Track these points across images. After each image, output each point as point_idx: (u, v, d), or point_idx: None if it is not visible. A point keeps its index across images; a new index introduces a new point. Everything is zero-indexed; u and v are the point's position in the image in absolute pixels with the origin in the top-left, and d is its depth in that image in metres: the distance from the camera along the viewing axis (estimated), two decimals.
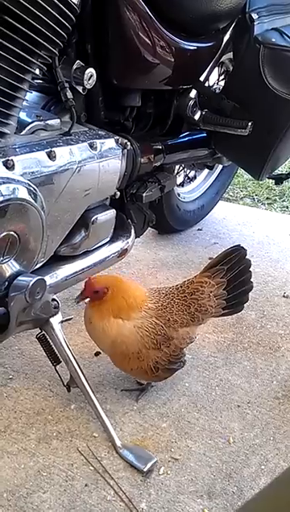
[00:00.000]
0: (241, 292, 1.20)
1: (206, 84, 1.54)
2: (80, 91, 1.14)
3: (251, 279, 1.21)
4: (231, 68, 1.72)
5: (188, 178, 2.12)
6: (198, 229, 2.19)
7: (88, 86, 1.13)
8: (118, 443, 1.06)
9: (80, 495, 0.96)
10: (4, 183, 0.91)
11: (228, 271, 1.17)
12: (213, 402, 1.22)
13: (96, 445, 1.07)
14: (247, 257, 1.21)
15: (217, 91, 1.66)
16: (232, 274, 1.18)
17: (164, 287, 1.20)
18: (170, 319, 1.12)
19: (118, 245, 1.41)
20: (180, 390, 1.26)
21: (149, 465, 1.01)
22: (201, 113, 1.48)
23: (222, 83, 1.80)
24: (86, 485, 0.98)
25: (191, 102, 1.45)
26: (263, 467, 1.06)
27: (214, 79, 1.77)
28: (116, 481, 0.99)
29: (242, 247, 1.21)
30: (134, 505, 0.94)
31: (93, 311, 1.13)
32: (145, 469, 1.01)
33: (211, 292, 1.16)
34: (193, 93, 1.45)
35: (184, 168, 1.97)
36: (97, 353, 1.37)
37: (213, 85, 1.75)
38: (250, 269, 1.21)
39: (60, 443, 1.08)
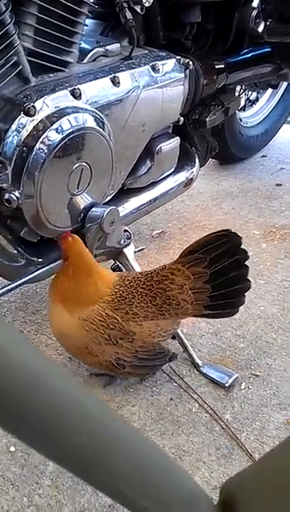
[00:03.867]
0: (232, 291, 0.95)
1: None
2: (139, 10, 1.09)
3: (248, 277, 0.96)
4: None
5: (250, 101, 2.02)
6: (262, 156, 2.11)
7: (146, 4, 1.08)
8: (198, 361, 1.11)
9: (167, 408, 1.03)
10: (73, 112, 0.91)
11: (212, 262, 0.93)
12: None
13: (177, 364, 1.13)
14: (243, 246, 0.95)
15: None
16: (218, 267, 0.93)
17: (131, 273, 1.02)
18: (128, 311, 0.93)
19: (184, 175, 1.39)
20: (255, 314, 1.27)
21: (231, 381, 1.05)
22: (265, 24, 1.38)
23: None
24: (171, 399, 1.05)
25: (254, 13, 1.35)
26: None
27: None
28: (199, 395, 1.05)
29: (235, 233, 0.95)
30: (220, 416, 1.00)
31: (52, 287, 0.97)
32: (227, 384, 1.05)
33: (185, 284, 0.94)
34: (256, 2, 1.35)
35: (245, 90, 1.86)
36: None
37: None
38: (247, 263, 0.96)
39: None
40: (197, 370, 1.10)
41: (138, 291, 0.95)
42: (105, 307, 0.93)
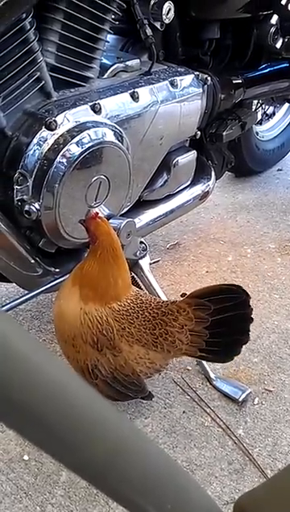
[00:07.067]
0: (230, 342, 0.95)
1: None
2: (159, 27, 1.11)
3: (249, 331, 0.94)
4: None
5: (267, 115, 2.03)
6: (278, 170, 2.11)
7: (166, 21, 1.10)
8: (212, 375, 1.11)
9: (180, 421, 1.03)
10: (93, 127, 0.93)
11: (215, 312, 0.92)
12: None
13: (190, 377, 1.13)
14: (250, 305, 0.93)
15: None
16: (220, 317, 0.92)
17: (146, 295, 0.99)
18: (125, 328, 0.92)
19: (199, 188, 1.40)
20: (269, 328, 1.27)
21: (243, 396, 1.05)
22: (284, 41, 1.39)
23: None
24: (184, 412, 1.05)
25: (272, 29, 1.36)
26: None
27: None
28: (212, 409, 1.04)
29: (245, 291, 0.93)
30: (232, 431, 0.99)
31: (77, 268, 0.95)
32: (240, 399, 1.05)
33: (186, 325, 0.92)
34: (275, 19, 1.36)
35: (262, 104, 1.87)
36: (183, 294, 1.40)
37: None
38: (250, 321, 0.94)
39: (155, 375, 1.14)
40: (210, 384, 1.10)
41: (144, 314, 0.93)
42: (108, 313, 0.92)
